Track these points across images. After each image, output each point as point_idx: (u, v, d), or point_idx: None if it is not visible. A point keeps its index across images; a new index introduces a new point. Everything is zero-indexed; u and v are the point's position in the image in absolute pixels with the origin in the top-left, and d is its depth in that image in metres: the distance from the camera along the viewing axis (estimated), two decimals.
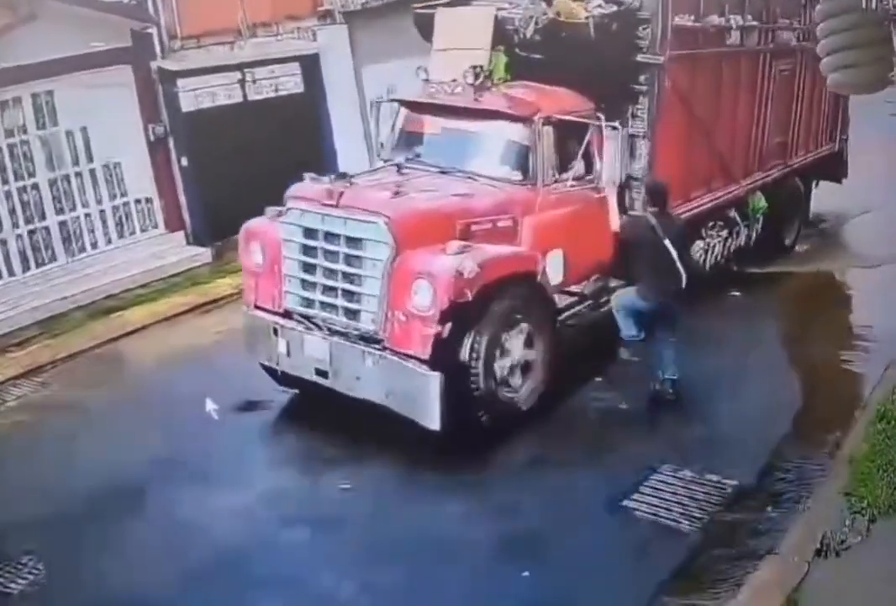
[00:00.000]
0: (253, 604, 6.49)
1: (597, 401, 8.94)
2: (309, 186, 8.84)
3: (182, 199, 13.59)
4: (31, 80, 11.53)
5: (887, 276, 11.54)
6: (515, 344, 8.39)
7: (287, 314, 8.81)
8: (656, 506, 7.29)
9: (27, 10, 11.16)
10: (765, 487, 7.51)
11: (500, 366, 8.26)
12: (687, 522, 7.12)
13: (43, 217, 12.05)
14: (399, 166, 9.21)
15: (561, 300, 9.38)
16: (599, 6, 9.41)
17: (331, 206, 8.34)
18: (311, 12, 14.95)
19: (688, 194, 10.50)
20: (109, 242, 12.78)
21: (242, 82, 13.86)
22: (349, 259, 8.34)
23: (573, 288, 9.60)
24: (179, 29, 13.33)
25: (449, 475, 7.80)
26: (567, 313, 9.47)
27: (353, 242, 8.28)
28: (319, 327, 8.58)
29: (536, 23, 9.50)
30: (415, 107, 9.80)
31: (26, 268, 11.94)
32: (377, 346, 8.18)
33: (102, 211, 12.76)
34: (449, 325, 7.89)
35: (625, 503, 7.36)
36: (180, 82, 13.13)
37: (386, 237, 8.05)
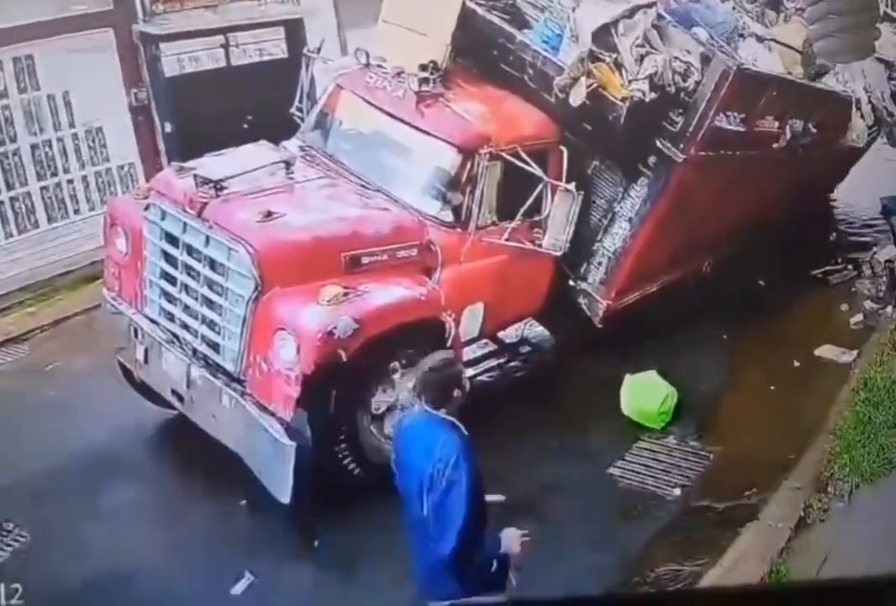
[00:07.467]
0: None
1: None
2: (172, 181, 7.43)
3: (165, 165, 13.44)
4: (12, 43, 11.33)
5: None
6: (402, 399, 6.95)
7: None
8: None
9: None
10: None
11: (381, 427, 7.02)
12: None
13: (25, 183, 11.92)
14: (288, 164, 7.64)
15: (470, 353, 8.01)
16: (640, 90, 7.69)
17: (193, 215, 7.03)
18: None
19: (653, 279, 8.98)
20: (92, 208, 12.63)
21: (226, 47, 13.69)
22: (211, 283, 7.03)
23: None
24: None
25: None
26: (478, 368, 8.13)
27: (215, 264, 6.96)
28: (181, 346, 7.30)
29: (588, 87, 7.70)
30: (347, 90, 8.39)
31: (8, 234, 11.83)
32: (239, 386, 6.92)
33: (85, 177, 12.62)
34: (318, 386, 6.57)
35: None
36: (163, 46, 12.94)
37: (249, 271, 6.71)
